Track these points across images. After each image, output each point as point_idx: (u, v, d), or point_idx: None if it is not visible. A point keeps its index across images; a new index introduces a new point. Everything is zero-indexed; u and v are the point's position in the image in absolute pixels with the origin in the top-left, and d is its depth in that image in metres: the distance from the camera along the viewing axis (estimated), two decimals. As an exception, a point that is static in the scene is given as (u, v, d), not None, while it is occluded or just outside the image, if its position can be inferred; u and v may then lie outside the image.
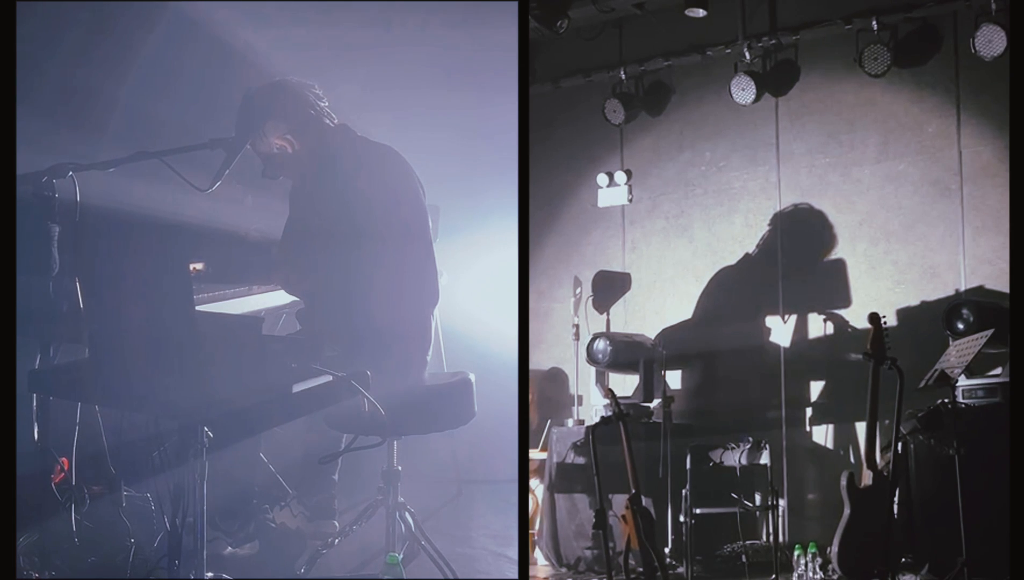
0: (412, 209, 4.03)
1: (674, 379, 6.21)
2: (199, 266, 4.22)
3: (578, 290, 6.44)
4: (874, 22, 5.67)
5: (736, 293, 6.27)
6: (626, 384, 6.09)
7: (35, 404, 3.22)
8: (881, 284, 5.80)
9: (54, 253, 3.22)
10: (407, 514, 3.87)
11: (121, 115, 4.38)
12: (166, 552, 2.89)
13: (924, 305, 5.62)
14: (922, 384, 4.68)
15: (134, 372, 2.78)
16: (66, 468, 3.37)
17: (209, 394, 2.73)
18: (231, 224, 4.10)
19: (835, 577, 4.76)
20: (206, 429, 2.71)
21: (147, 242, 2.86)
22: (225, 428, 2.77)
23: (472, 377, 3.96)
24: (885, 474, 4.57)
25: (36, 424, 3.22)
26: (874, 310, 4.70)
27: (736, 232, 6.33)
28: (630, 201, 6.73)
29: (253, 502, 4.25)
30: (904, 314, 5.66)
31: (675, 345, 6.10)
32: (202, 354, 2.76)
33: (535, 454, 5.93)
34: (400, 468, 3.89)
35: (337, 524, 4.30)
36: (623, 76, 6.55)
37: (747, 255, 6.22)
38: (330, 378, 3.06)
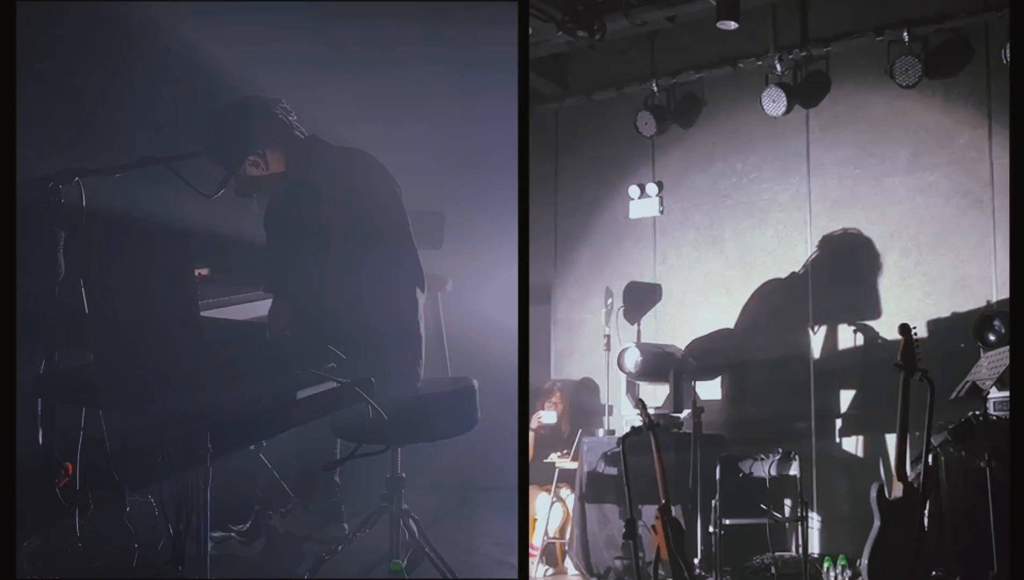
0: (386, 209, 3.95)
1: (706, 390, 6.22)
2: (204, 272, 4.24)
3: (609, 301, 6.48)
4: (905, 33, 5.68)
5: (769, 305, 6.27)
6: (656, 394, 6.11)
7: (40, 409, 3.20)
8: (912, 295, 5.79)
9: (60, 258, 3.20)
10: (411, 521, 3.83)
11: (126, 123, 4.38)
12: (170, 557, 2.91)
13: (955, 316, 5.60)
14: (953, 396, 4.68)
15: (138, 377, 2.78)
16: (70, 473, 3.33)
17: (213, 400, 2.71)
18: (236, 230, 4.05)
19: (865, 589, 4.75)
20: (209, 435, 2.71)
21: (152, 248, 2.87)
22: (229, 434, 2.75)
23: (476, 383, 3.91)
24: (916, 486, 4.55)
25: (40, 429, 3.19)
26: (904, 321, 4.68)
27: (767, 243, 6.34)
28: (661, 212, 6.75)
29: (256, 508, 4.27)
30: (935, 326, 5.64)
31: (705, 356, 6.12)
32: (206, 360, 2.75)
33: (566, 463, 5.95)
34: (404, 475, 3.84)
35: (347, 527, 4.27)
36: (655, 88, 6.60)
37: (794, 273, 6.21)
38: (333, 385, 3.02)
